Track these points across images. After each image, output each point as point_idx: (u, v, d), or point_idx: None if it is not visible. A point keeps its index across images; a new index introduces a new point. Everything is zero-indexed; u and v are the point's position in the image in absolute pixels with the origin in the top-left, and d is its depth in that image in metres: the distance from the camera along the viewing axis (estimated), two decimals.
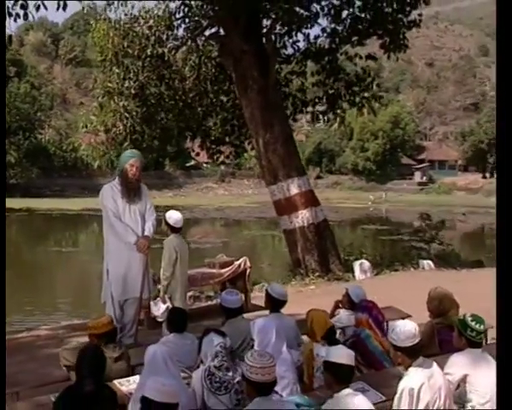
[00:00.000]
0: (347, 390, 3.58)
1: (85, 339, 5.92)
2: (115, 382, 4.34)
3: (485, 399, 3.88)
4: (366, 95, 14.82)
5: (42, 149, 65.91)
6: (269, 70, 12.84)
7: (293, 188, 12.67)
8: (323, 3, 13.66)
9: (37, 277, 18.03)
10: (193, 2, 13.92)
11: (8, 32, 8.11)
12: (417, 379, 3.68)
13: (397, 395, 3.71)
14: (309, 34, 14.48)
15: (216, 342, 4.18)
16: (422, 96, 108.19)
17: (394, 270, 13.33)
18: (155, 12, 14.06)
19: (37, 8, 8.00)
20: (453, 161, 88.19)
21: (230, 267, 8.79)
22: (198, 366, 4.34)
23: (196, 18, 13.89)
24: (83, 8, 14.08)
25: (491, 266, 13.90)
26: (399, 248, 20.43)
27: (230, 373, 4.08)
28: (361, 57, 14.48)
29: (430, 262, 13.78)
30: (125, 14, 14.03)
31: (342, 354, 3.66)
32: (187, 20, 14.00)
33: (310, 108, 15.63)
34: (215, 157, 16.67)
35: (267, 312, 5.31)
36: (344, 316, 5.57)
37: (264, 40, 13.23)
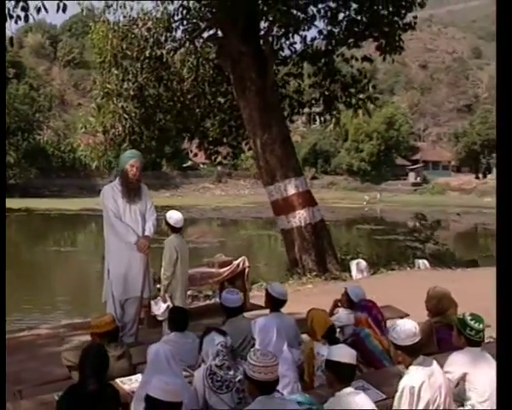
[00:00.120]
0: (349, 389, 3.59)
1: (86, 338, 6.00)
2: (117, 380, 4.34)
3: (484, 397, 3.91)
4: (362, 96, 14.87)
5: (40, 150, 66.06)
6: (267, 71, 12.90)
7: (291, 188, 12.72)
8: (320, 6, 13.74)
9: (36, 276, 18.05)
10: (191, 5, 13.95)
11: (8, 33, 8.14)
12: (418, 378, 3.70)
13: (397, 394, 3.73)
14: (306, 36, 14.54)
15: (217, 342, 4.19)
16: (416, 97, 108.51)
17: (391, 269, 13.42)
18: (154, 14, 14.14)
19: (38, 11, 7.99)
20: (447, 161, 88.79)
21: (229, 267, 8.81)
22: (199, 365, 4.34)
23: (194, 20, 13.90)
24: (82, 10, 14.07)
25: (485, 265, 14.04)
26: (395, 248, 20.51)
27: (232, 372, 4.09)
28: (357, 59, 14.56)
29: (426, 262, 13.88)
30: (124, 17, 14.10)
31: (344, 353, 3.67)
32: (185, 22, 14.01)
33: (306, 110, 15.70)
34: (213, 158, 16.70)
35: (266, 311, 5.35)
36: (343, 315, 5.57)
37: (261, 42, 13.28)
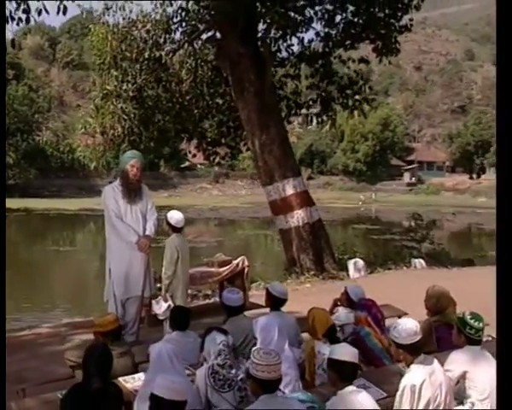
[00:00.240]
0: (351, 388, 3.59)
1: (87, 337, 6.03)
2: (120, 379, 4.34)
3: (484, 395, 3.93)
4: (358, 98, 14.92)
5: (39, 151, 66.37)
6: (265, 73, 12.90)
7: (289, 188, 12.75)
8: (317, 8, 13.77)
9: (35, 275, 18.10)
10: (190, 7, 13.99)
11: (9, 35, 8.16)
12: (419, 376, 3.72)
13: (399, 392, 3.76)
14: (303, 38, 14.56)
15: (219, 341, 4.20)
16: (411, 99, 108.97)
17: (387, 268, 13.48)
18: (153, 16, 14.16)
19: (39, 13, 8.00)
20: (441, 162, 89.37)
21: (229, 266, 8.81)
22: (201, 364, 4.36)
23: (193, 22, 13.92)
24: (82, 12, 14.08)
25: (480, 264, 14.12)
26: (391, 248, 20.51)
27: (233, 371, 4.10)
28: (354, 61, 14.59)
29: (422, 261, 13.93)
30: (123, 18, 14.11)
31: (346, 352, 3.68)
32: (184, 23, 14.02)
33: (304, 111, 15.71)
34: (211, 158, 16.70)
35: (265, 310, 5.38)
36: (343, 314, 5.60)
37: (259, 44, 13.32)
